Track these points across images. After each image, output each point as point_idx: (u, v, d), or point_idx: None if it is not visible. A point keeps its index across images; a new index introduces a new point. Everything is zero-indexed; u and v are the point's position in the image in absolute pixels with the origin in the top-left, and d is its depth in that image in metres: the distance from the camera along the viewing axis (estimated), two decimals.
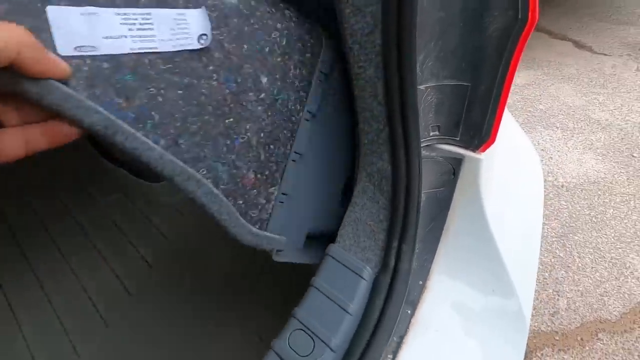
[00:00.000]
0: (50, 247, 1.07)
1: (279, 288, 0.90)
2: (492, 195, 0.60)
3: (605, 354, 1.39)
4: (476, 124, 0.56)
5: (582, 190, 1.92)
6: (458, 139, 0.59)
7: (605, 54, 2.78)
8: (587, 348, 1.41)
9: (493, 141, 0.56)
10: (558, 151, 2.12)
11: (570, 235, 1.75)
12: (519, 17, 0.47)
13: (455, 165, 0.59)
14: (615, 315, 1.48)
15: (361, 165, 0.65)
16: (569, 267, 1.65)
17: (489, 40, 0.51)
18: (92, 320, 0.89)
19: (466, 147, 0.58)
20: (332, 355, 0.51)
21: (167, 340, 0.86)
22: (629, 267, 1.62)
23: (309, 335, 0.53)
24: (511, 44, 0.49)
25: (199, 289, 0.94)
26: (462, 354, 0.57)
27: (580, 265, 1.65)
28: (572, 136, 2.19)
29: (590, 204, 1.86)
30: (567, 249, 1.71)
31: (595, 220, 1.80)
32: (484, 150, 0.57)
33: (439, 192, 0.60)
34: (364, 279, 0.57)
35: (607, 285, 1.57)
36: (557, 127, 2.26)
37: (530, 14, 0.46)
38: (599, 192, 1.92)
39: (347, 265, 0.59)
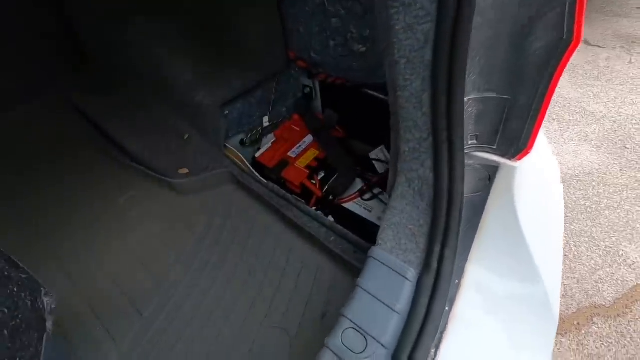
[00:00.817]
0: (73, 245, 1.08)
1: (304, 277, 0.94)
2: (523, 199, 0.64)
3: (600, 337, 1.48)
4: (514, 134, 0.59)
5: (577, 182, 1.99)
6: (495, 147, 0.62)
7: (599, 46, 2.84)
8: (583, 332, 1.49)
9: (530, 150, 0.59)
10: (555, 143, 2.19)
11: (567, 225, 1.82)
12: (563, 37, 0.50)
13: (491, 172, 0.63)
14: (609, 301, 1.57)
15: (400, 171, 0.68)
16: (565, 255, 1.72)
17: (531, 58, 0.54)
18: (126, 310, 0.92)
19: (502, 155, 0.62)
20: (384, 351, 0.55)
21: (199, 334, 0.89)
22: (622, 255, 1.71)
23: (361, 334, 0.57)
24: (553, 62, 0.52)
25: (226, 282, 0.97)
26: (495, 343, 0.62)
27: (576, 253, 1.73)
28: (568, 128, 2.26)
29: (586, 195, 1.94)
30: (564, 238, 1.79)
31: (590, 211, 1.88)
32: (520, 159, 0.61)
33: (475, 196, 0.64)
34: (409, 280, 0.61)
35: (602, 273, 1.66)
36: (554, 119, 2.32)
37: (575, 35, 0.49)
38: (594, 183, 1.99)
39: (391, 266, 0.62)
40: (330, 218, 1.07)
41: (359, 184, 1.21)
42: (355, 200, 1.17)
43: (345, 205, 1.16)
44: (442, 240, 0.60)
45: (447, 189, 0.59)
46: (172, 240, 1.08)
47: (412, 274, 0.61)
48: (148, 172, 1.22)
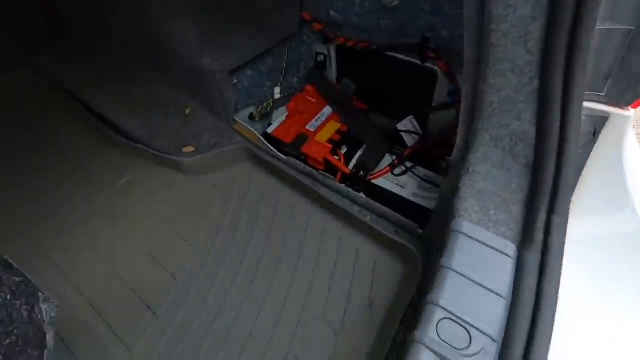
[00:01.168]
0: (70, 236, 0.92)
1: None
2: (631, 155, 0.54)
3: None
4: (633, 76, 0.49)
5: None
6: (604, 94, 0.51)
7: None
8: None
9: None
10: None
11: None
12: None
13: (597, 125, 0.53)
14: None
15: (483, 128, 0.57)
16: None
17: None
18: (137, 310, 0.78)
19: (612, 104, 0.52)
20: (494, 345, 0.45)
21: (226, 334, 0.77)
22: None
23: (461, 325, 0.46)
24: None
25: (252, 272, 0.84)
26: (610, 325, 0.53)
27: None
28: None
29: None
30: None
31: None
32: (636, 107, 0.50)
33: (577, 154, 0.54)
34: (510, 257, 0.50)
35: None
36: None
37: None
38: None
39: (485, 242, 0.51)
40: (362, 195, 0.95)
41: (386, 159, 1.10)
42: (385, 176, 1.06)
43: (375, 181, 1.04)
44: (548, 207, 0.50)
45: (557, 144, 0.48)
46: (183, 227, 0.93)
47: (512, 249, 0.50)
48: (147, 150, 1.06)
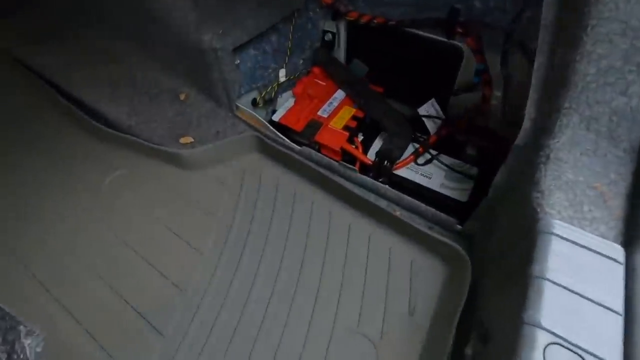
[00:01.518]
0: (53, 245, 0.78)
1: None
2: None
3: None
4: None
5: None
6: None
7: None
8: None
9: None
10: None
11: None
12: None
13: None
14: None
15: (570, 107, 0.47)
16: None
17: None
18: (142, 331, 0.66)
19: None
20: None
21: (248, 353, 0.66)
22: None
23: (574, 352, 0.37)
24: None
25: (272, 279, 0.74)
26: None
27: None
28: None
29: None
30: None
31: None
32: None
33: None
34: (619, 263, 0.41)
35: None
36: None
37: None
38: None
39: (586, 245, 0.42)
40: (388, 187, 0.85)
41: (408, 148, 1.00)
42: (408, 166, 0.96)
43: (398, 172, 0.94)
44: None
45: None
46: (185, 229, 0.81)
47: (620, 253, 0.42)
48: (137, 142, 0.92)
